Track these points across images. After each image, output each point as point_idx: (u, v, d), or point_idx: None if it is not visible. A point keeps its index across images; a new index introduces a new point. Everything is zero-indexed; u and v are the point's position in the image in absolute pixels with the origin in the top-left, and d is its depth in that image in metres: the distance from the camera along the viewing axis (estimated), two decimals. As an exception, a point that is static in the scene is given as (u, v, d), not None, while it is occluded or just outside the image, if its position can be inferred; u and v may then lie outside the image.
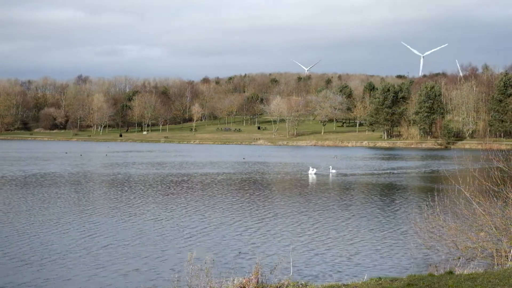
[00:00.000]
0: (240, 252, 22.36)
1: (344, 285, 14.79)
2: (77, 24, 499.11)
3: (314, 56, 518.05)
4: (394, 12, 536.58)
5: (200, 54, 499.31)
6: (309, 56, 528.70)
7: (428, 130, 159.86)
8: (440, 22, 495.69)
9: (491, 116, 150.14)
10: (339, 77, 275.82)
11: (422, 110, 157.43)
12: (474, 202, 19.75)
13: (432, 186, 45.43)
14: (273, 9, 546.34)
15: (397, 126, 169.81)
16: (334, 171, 58.14)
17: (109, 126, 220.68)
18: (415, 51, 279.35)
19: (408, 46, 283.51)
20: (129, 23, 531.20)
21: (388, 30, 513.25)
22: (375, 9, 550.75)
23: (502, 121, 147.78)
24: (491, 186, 20.02)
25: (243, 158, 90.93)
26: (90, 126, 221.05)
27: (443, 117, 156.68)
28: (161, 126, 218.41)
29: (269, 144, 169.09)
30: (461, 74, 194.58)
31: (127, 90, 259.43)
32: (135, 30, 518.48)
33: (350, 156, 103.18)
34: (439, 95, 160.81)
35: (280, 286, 14.31)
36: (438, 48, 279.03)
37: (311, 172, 56.12)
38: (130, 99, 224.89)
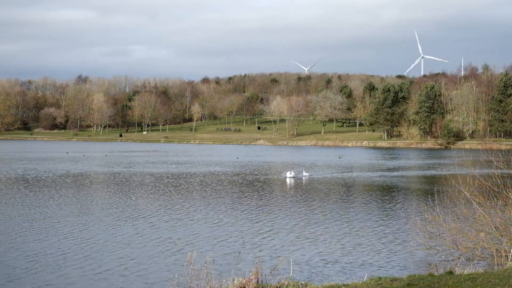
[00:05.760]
0: (240, 252, 22.37)
1: (344, 285, 14.79)
2: (89, 24, 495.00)
3: (319, 56, 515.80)
4: (404, 13, 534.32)
5: (205, 54, 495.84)
6: (313, 57, 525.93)
7: (428, 130, 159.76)
8: (448, 22, 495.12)
9: (491, 116, 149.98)
10: (339, 77, 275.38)
11: (422, 110, 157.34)
12: (474, 202, 19.74)
13: (432, 186, 45.39)
14: (284, 10, 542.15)
15: (397, 126, 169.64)
16: (307, 174, 59.27)
17: (109, 126, 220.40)
18: (420, 49, 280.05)
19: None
20: (140, 24, 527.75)
21: (396, 30, 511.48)
22: (385, 10, 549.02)
23: (502, 121, 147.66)
24: (491, 187, 20.01)
25: (237, 158, 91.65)
26: (90, 126, 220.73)
27: (443, 117, 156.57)
28: (161, 126, 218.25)
29: (269, 144, 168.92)
30: (462, 73, 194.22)
31: (127, 90, 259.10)
32: (145, 31, 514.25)
33: (351, 156, 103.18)
34: (439, 95, 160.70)
35: (280, 286, 14.30)
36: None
37: (289, 176, 56.55)
38: (130, 99, 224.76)
